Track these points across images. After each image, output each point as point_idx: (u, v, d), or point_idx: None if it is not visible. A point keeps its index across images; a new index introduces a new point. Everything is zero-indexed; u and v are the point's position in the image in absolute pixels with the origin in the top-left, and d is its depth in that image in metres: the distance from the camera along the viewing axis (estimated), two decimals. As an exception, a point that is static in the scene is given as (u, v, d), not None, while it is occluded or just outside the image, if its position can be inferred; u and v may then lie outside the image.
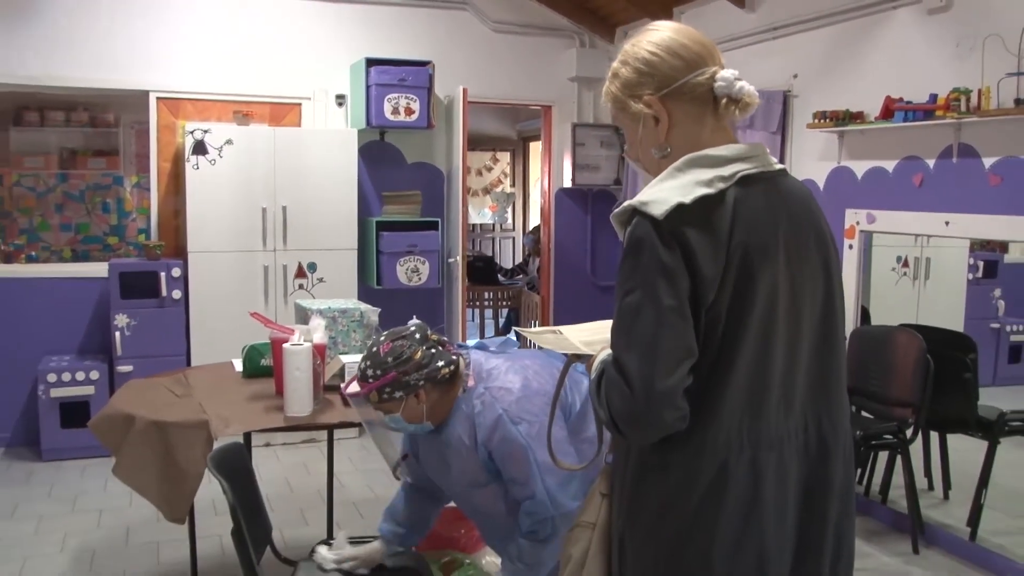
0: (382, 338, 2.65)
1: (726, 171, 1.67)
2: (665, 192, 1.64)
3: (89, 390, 5.67)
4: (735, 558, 1.67)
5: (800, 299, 1.71)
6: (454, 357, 2.64)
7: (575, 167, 7.12)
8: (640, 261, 1.62)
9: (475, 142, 10.83)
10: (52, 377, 5.63)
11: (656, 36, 1.75)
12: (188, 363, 5.76)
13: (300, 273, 6.08)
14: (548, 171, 7.31)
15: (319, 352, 3.44)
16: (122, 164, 6.60)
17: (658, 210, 1.60)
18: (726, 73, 1.71)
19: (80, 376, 5.67)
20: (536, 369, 2.66)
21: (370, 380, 2.59)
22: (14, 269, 6.07)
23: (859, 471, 4.76)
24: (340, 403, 3.47)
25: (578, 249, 7.32)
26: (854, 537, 1.87)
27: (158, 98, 6.17)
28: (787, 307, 1.69)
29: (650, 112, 1.74)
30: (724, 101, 1.71)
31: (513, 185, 11.21)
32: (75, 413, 5.64)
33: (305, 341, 3.37)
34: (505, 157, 11.18)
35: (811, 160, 5.28)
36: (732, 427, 1.66)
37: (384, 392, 2.57)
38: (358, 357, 3.80)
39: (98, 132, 7.10)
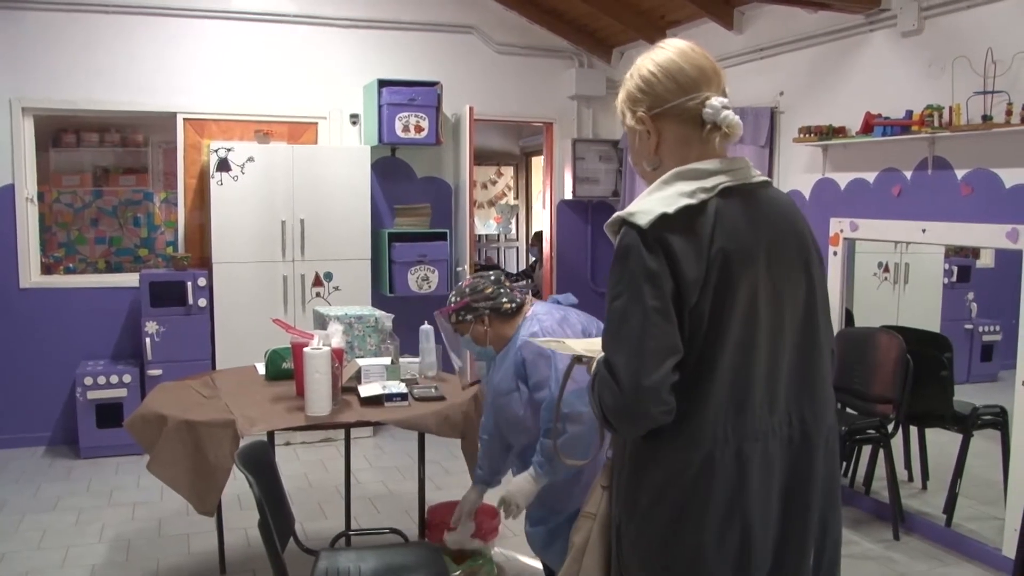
0: (468, 275, 3.03)
1: (708, 183, 1.70)
2: (651, 203, 1.69)
3: (122, 392, 5.74)
4: (722, 544, 1.70)
5: (782, 301, 1.73)
6: (519, 299, 3.07)
7: (575, 180, 7.16)
8: (627, 267, 1.67)
9: (480, 157, 10.86)
10: (89, 380, 5.69)
11: (661, 56, 1.80)
12: (213, 367, 5.81)
13: (317, 282, 6.13)
14: (550, 184, 7.36)
15: (337, 356, 3.49)
16: (151, 181, 6.66)
17: (643, 220, 1.66)
18: (715, 101, 1.73)
19: (114, 379, 5.74)
20: (584, 319, 3.00)
21: (451, 304, 3.09)
22: (54, 280, 6.13)
23: (844, 464, 4.80)
24: (357, 404, 3.53)
25: (579, 257, 7.39)
26: (839, 529, 1.90)
27: (185, 119, 6.24)
28: (769, 308, 1.71)
29: (643, 128, 1.79)
30: (708, 127, 1.74)
31: (517, 198, 11.23)
32: (110, 414, 5.71)
33: (324, 345, 3.42)
34: (509, 171, 11.18)
35: (797, 172, 5.32)
36: (718, 421, 1.69)
37: (459, 314, 3.07)
38: (374, 360, 3.87)
39: (128, 151, 7.16)
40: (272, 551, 2.57)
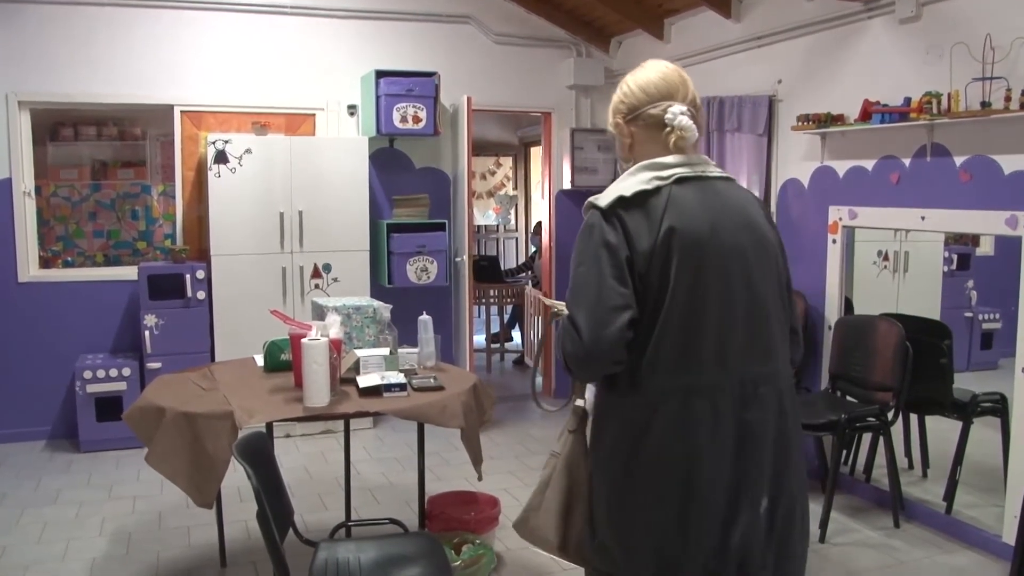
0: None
1: (665, 173, 2.03)
2: (614, 189, 2.03)
3: (122, 386, 5.73)
4: (669, 487, 1.97)
5: (731, 273, 1.99)
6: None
7: (574, 170, 7.14)
8: (590, 239, 2.00)
9: (479, 148, 10.86)
10: (88, 374, 5.69)
11: (640, 74, 2.17)
12: (212, 359, 5.80)
13: (316, 273, 6.12)
14: (548, 174, 7.34)
15: (335, 346, 3.48)
16: (149, 174, 6.64)
17: (604, 202, 2.01)
18: (675, 108, 2.07)
19: (113, 373, 5.73)
20: None
21: None
22: (52, 274, 6.11)
23: (844, 452, 4.79)
24: (356, 394, 3.52)
25: (578, 247, 7.37)
26: (797, 485, 2.10)
27: (182, 111, 6.22)
28: (716, 281, 1.97)
29: (619, 131, 2.17)
30: (667, 129, 2.08)
31: (515, 188, 11.21)
32: (109, 407, 5.71)
33: (322, 336, 3.41)
34: (507, 162, 11.17)
35: (796, 160, 5.31)
36: (667, 377, 1.96)
37: None
38: (372, 351, 3.86)
39: (126, 145, 7.15)
40: (271, 542, 2.56)
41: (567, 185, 7.23)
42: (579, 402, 2.25)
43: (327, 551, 3.00)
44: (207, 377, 3.87)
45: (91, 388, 5.69)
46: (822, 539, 4.30)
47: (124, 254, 6.36)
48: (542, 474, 2.32)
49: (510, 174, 11.22)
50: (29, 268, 5.97)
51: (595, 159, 7.18)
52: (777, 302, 2.09)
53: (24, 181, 5.93)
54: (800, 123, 4.98)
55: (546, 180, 7.41)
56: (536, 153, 9.86)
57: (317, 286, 6.13)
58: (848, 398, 4.72)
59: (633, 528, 2.03)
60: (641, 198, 1.99)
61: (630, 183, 2.03)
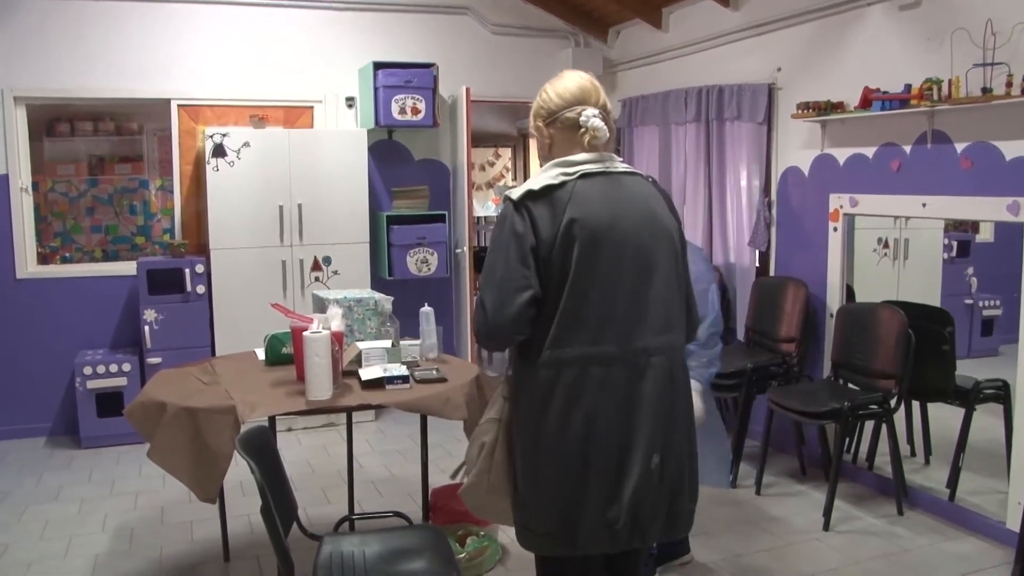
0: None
1: (571, 169, 2.27)
2: (526, 184, 2.28)
3: (122, 381, 5.72)
4: (570, 443, 2.25)
5: (627, 258, 2.25)
6: None
7: (573, 160, 7.11)
8: (502, 228, 2.27)
9: (478, 139, 10.77)
10: (88, 370, 5.67)
11: (558, 83, 2.41)
12: (213, 353, 5.80)
13: (316, 266, 6.11)
14: (548, 165, 7.30)
15: (337, 339, 3.47)
16: (147, 169, 6.62)
17: (515, 195, 2.27)
18: (588, 111, 2.32)
19: (113, 368, 5.72)
20: None
21: None
22: (50, 270, 6.10)
23: (847, 440, 4.79)
24: (358, 387, 3.51)
25: (578, 238, 7.34)
26: (684, 445, 2.37)
27: (179, 105, 6.19)
28: (616, 263, 2.24)
29: (539, 134, 2.41)
30: (582, 130, 2.31)
31: (514, 179, 11.18)
32: (110, 403, 5.69)
33: (323, 329, 3.40)
34: (506, 153, 11.12)
35: (796, 148, 5.29)
36: (568, 349, 2.24)
37: None
38: (374, 343, 3.85)
39: (123, 140, 7.12)
40: (275, 537, 2.55)
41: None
42: (510, 371, 2.47)
43: (331, 545, 2.99)
44: (208, 371, 3.86)
45: (91, 384, 5.67)
46: (826, 527, 4.30)
47: (123, 249, 6.35)
48: (483, 439, 2.49)
49: (509, 165, 11.18)
50: (27, 264, 5.94)
51: (594, 149, 7.14)
52: (673, 284, 2.35)
53: (21, 177, 5.90)
54: (800, 111, 4.96)
55: (545, 171, 7.36)
56: (534, 144, 9.81)
57: (317, 279, 6.11)
58: (850, 386, 4.72)
59: (542, 481, 2.30)
60: (548, 191, 2.24)
61: (541, 178, 2.28)
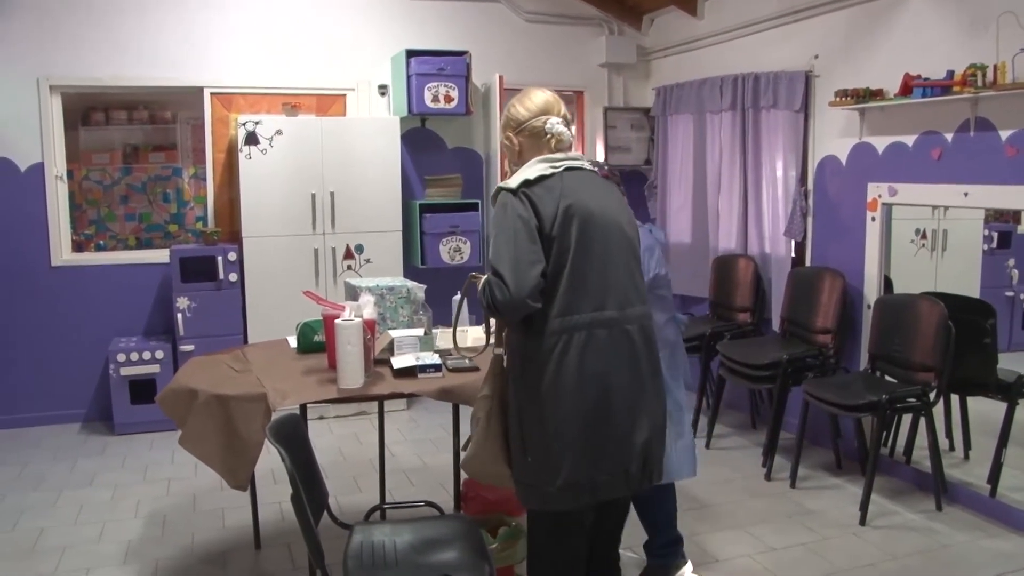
0: None
1: (556, 164, 2.63)
2: (518, 177, 2.61)
3: (155, 368, 5.74)
4: (583, 401, 2.54)
5: (611, 238, 2.61)
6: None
7: (607, 149, 7.05)
8: (505, 214, 2.55)
9: (510, 128, 10.75)
10: (121, 357, 5.70)
11: (523, 98, 2.76)
12: (245, 341, 5.81)
13: (348, 255, 6.09)
14: (582, 153, 7.24)
15: (369, 327, 3.45)
16: (180, 157, 6.63)
17: (513, 184, 2.59)
18: (552, 120, 2.70)
19: (147, 355, 5.75)
20: (661, 259, 3.44)
21: None
22: (85, 257, 6.13)
23: (884, 433, 4.70)
24: (390, 375, 3.48)
25: (610, 227, 7.27)
26: (661, 405, 2.73)
27: (212, 93, 6.20)
28: (604, 242, 2.59)
29: (510, 143, 2.77)
30: (548, 136, 2.70)
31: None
32: (143, 390, 5.72)
33: (355, 317, 3.38)
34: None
35: (833, 137, 5.19)
36: (576, 316, 2.54)
37: None
38: (406, 331, 3.82)
39: (157, 128, 7.14)
40: (305, 525, 2.53)
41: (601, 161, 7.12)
42: (498, 350, 2.75)
43: (362, 534, 2.97)
44: (240, 359, 3.84)
45: (124, 371, 5.70)
46: (863, 521, 4.22)
47: (156, 237, 6.36)
48: (479, 415, 2.76)
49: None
50: (62, 252, 5.99)
51: (628, 138, 7.08)
52: (636, 259, 2.75)
53: (56, 165, 5.94)
54: (838, 99, 4.86)
55: (578, 160, 7.30)
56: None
57: (350, 267, 6.10)
58: (888, 378, 4.63)
59: (563, 437, 2.53)
60: (542, 180, 2.58)
61: (532, 171, 2.60)
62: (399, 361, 3.55)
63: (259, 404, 3.23)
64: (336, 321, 3.34)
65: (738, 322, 5.79)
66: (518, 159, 2.76)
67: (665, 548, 3.61)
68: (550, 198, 2.55)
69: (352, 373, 3.31)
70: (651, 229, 3.62)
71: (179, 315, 5.77)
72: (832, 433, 5.02)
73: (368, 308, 3.53)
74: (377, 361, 3.60)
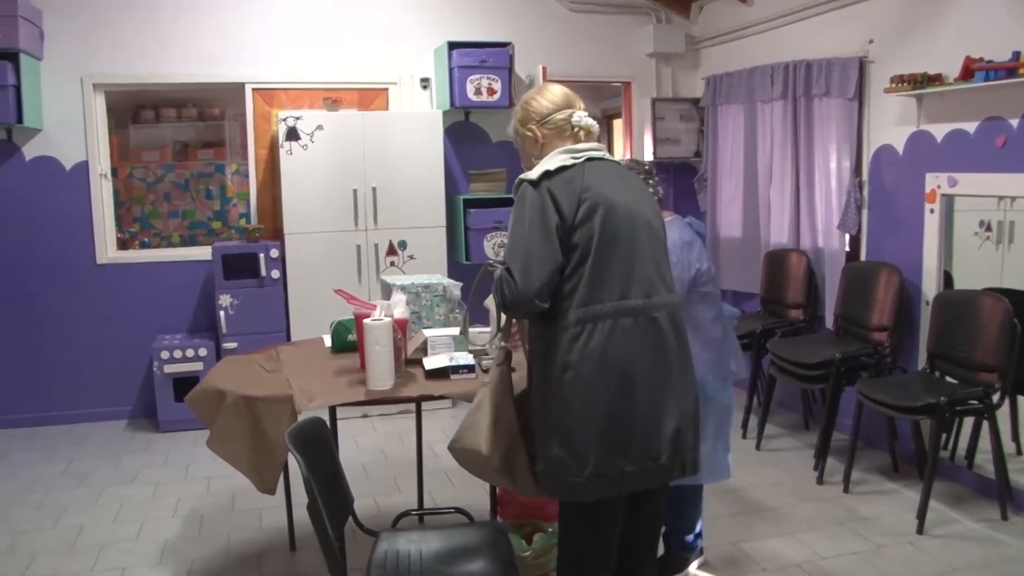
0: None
1: (578, 154, 2.58)
2: (539, 168, 2.55)
3: (198, 366, 5.73)
4: (610, 388, 2.46)
5: (637, 226, 2.55)
6: (660, 195, 3.32)
7: (655, 141, 6.87)
8: (523, 206, 2.51)
9: (560, 121, 10.57)
10: (165, 354, 5.70)
11: (543, 93, 2.73)
12: (288, 338, 5.77)
13: (391, 251, 6.01)
14: (629, 146, 7.08)
15: (400, 327, 3.34)
16: (228, 154, 6.62)
17: (534, 176, 2.53)
18: (578, 113, 2.67)
19: (190, 353, 5.73)
20: (701, 253, 3.35)
21: None
22: (129, 255, 6.15)
23: (944, 436, 4.46)
24: (422, 377, 3.37)
25: (659, 221, 7.07)
26: (695, 392, 2.65)
27: (253, 89, 6.16)
28: (629, 230, 2.52)
29: (532, 135, 2.71)
30: (577, 129, 2.67)
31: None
32: (186, 387, 5.65)
33: (386, 316, 3.27)
34: (590, 134, 10.92)
35: (889, 125, 4.95)
36: (602, 305, 2.47)
37: None
38: (441, 331, 3.71)
39: (206, 125, 7.15)
40: (322, 534, 2.44)
41: (648, 157, 6.95)
42: (503, 344, 2.78)
43: (388, 542, 2.88)
44: (272, 359, 3.77)
45: (168, 368, 5.70)
46: (920, 530, 4.00)
47: (200, 234, 6.35)
48: (474, 399, 2.76)
49: (591, 147, 10.97)
50: (107, 249, 6.00)
51: (677, 129, 6.89)
52: (663, 248, 2.67)
53: (100, 163, 5.94)
54: (894, 85, 4.63)
55: (627, 152, 7.14)
56: (619, 127, 9.55)
57: (393, 264, 6.01)
58: (948, 379, 4.39)
59: (592, 427, 2.45)
60: (562, 171, 2.52)
61: (552, 161, 2.55)
62: (431, 362, 3.43)
63: (286, 406, 3.14)
64: (365, 321, 3.24)
65: (790, 319, 5.58)
66: (540, 152, 2.69)
67: (682, 542, 3.59)
68: (571, 189, 2.50)
69: (381, 374, 3.21)
70: (691, 222, 3.55)
71: (221, 312, 5.74)
72: (888, 435, 4.79)
73: (399, 307, 3.43)
74: (411, 361, 3.50)
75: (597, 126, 2.71)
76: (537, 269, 2.43)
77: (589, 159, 2.59)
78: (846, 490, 4.51)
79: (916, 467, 4.60)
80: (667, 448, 2.53)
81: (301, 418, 2.90)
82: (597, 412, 2.46)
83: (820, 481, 4.62)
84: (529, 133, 2.73)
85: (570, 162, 2.54)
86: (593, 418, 2.46)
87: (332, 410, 3.35)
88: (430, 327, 3.85)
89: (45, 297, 5.91)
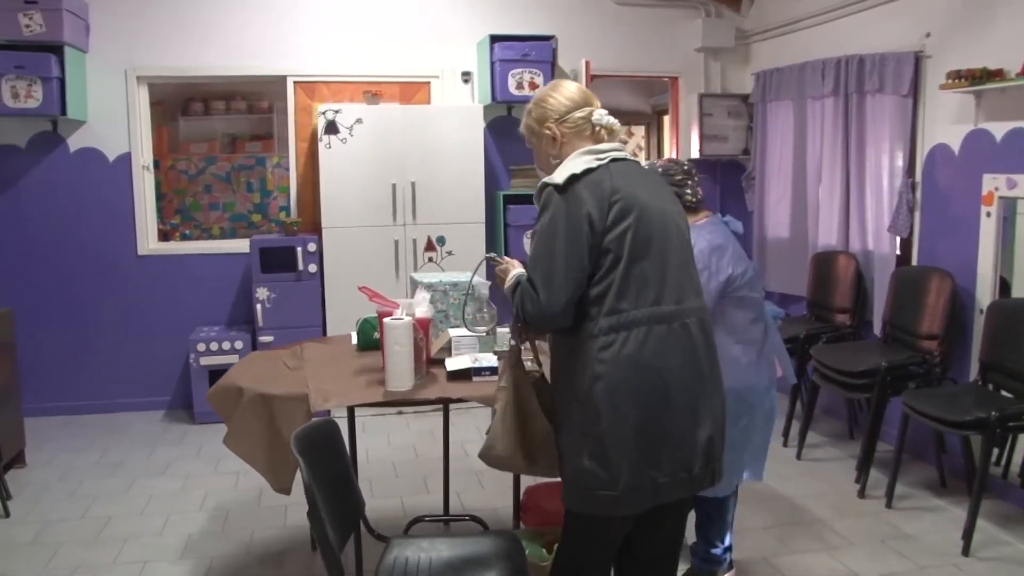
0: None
1: (602, 156, 2.44)
2: (563, 171, 2.41)
3: (234, 359, 5.67)
4: (647, 388, 2.34)
5: (667, 230, 2.44)
6: (700, 196, 3.33)
7: (702, 138, 6.67)
8: (549, 214, 2.37)
9: (610, 117, 10.41)
10: (201, 346, 5.69)
11: (560, 90, 2.57)
12: (324, 333, 5.71)
13: (430, 246, 5.92)
14: (676, 143, 6.89)
15: (421, 326, 3.24)
16: (276, 147, 6.60)
17: (559, 180, 2.38)
18: (598, 111, 2.53)
19: (226, 346, 5.71)
20: (737, 255, 3.23)
21: None
22: (170, 247, 6.17)
23: (996, 452, 4.23)
24: (444, 378, 3.27)
25: (706, 220, 6.86)
26: (722, 402, 2.52)
27: (295, 82, 6.11)
28: (660, 234, 2.41)
29: (550, 133, 2.55)
30: (599, 128, 2.52)
31: (648, 159, 10.76)
32: (222, 380, 5.68)
33: (407, 315, 3.17)
34: (639, 131, 10.71)
35: (945, 124, 4.71)
36: (633, 312, 2.35)
37: None
38: (467, 331, 3.59)
39: (255, 118, 7.15)
40: (323, 541, 2.34)
41: (695, 154, 6.76)
42: (514, 342, 2.64)
43: (398, 549, 2.78)
44: (297, 355, 3.71)
45: (204, 361, 5.69)
46: (966, 551, 3.78)
47: (240, 227, 6.34)
48: (495, 406, 2.65)
49: (642, 144, 10.77)
50: (148, 241, 6.01)
51: (725, 126, 6.68)
52: (690, 250, 2.55)
53: (143, 155, 5.95)
54: (951, 80, 4.40)
55: (673, 149, 6.96)
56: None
57: (431, 259, 5.92)
58: (1002, 392, 4.15)
59: (624, 439, 2.33)
60: (588, 173, 2.39)
61: (577, 163, 2.41)
62: (453, 363, 3.33)
63: (300, 405, 3.07)
64: (385, 320, 3.15)
65: (836, 324, 5.36)
66: (559, 152, 2.55)
67: (709, 555, 3.45)
68: (600, 192, 2.37)
69: (400, 375, 3.11)
70: (728, 221, 3.45)
71: (258, 306, 5.71)
72: (936, 448, 4.56)
73: (422, 306, 3.33)
74: (435, 361, 3.40)
75: (619, 124, 2.57)
76: (562, 283, 2.33)
77: (613, 160, 2.46)
78: (889, 505, 4.30)
79: (965, 483, 4.36)
80: (700, 457, 2.43)
81: (312, 419, 2.82)
82: (630, 423, 2.35)
83: (862, 494, 4.42)
84: (548, 132, 2.57)
85: (595, 164, 2.42)
86: (626, 429, 2.35)
87: (351, 410, 3.27)
88: (458, 326, 3.74)
89: (87, 287, 5.95)
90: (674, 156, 3.28)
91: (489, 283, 3.87)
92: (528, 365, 2.69)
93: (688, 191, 3.27)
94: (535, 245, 2.40)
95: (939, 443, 4.54)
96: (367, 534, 2.89)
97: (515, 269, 2.58)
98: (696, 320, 2.44)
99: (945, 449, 4.55)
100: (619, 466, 2.34)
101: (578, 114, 2.53)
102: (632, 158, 2.56)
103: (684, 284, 2.45)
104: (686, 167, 3.34)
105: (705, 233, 3.19)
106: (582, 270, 2.34)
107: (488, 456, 2.66)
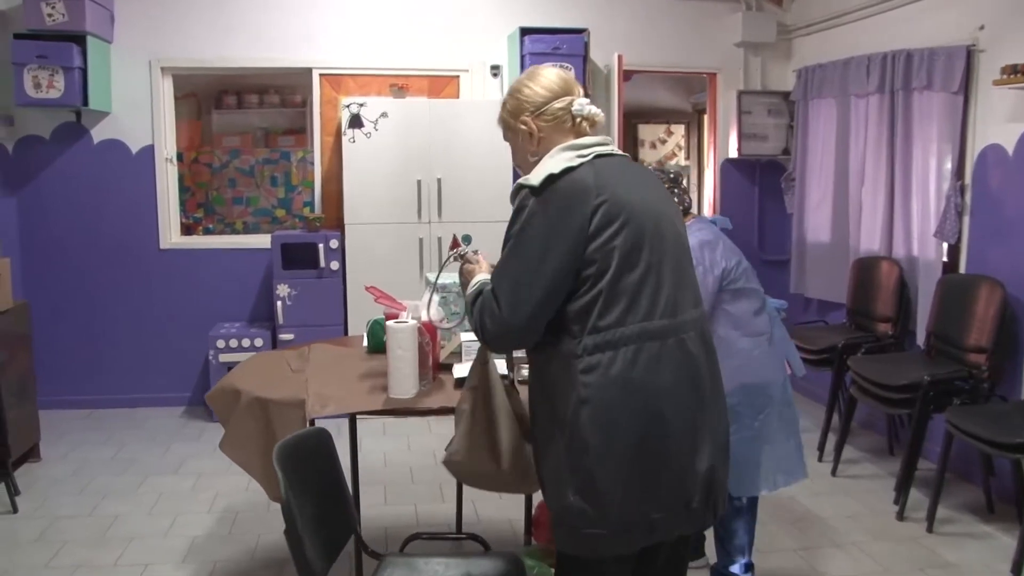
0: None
1: (584, 152, 2.17)
2: (541, 170, 2.13)
3: (253, 356, 5.57)
4: (639, 415, 2.06)
5: (660, 233, 2.16)
6: (687, 202, 3.26)
7: (741, 136, 6.41)
8: (521, 218, 2.10)
9: (648, 115, 10.20)
10: (221, 343, 5.58)
11: (536, 79, 2.29)
12: (345, 332, 5.57)
13: (455, 245, 5.70)
14: (714, 141, 6.63)
15: (428, 330, 3.05)
16: (308, 141, 6.46)
17: (535, 181, 2.10)
18: (579, 100, 2.26)
19: (246, 343, 5.59)
20: (729, 250, 3.16)
21: None
22: (192, 240, 6.08)
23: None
24: (451, 385, 3.08)
25: (745, 222, 6.57)
26: (726, 425, 2.28)
27: (321, 75, 5.96)
28: (653, 238, 2.13)
29: (526, 128, 2.27)
30: (579, 119, 2.25)
31: (687, 158, 10.48)
32: (241, 377, 5.56)
33: (412, 318, 2.99)
34: (679, 130, 10.45)
35: (998, 122, 4.42)
36: (620, 328, 2.07)
37: None
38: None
39: (288, 112, 7.03)
40: (300, 562, 2.16)
41: (733, 153, 6.50)
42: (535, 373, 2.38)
43: (391, 567, 2.60)
44: (302, 357, 3.54)
45: (224, 357, 5.57)
46: (1018, 573, 3.50)
47: (263, 221, 6.21)
48: (463, 407, 2.51)
49: (682, 143, 10.50)
50: (171, 235, 5.91)
51: (765, 124, 6.42)
52: (688, 255, 2.30)
53: (166, 147, 5.84)
54: (1005, 76, 4.12)
55: (711, 148, 6.70)
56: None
57: (456, 258, 5.71)
58: (1053, 409, 3.86)
59: (616, 474, 2.07)
60: (568, 172, 2.11)
61: (556, 161, 2.14)
62: (461, 369, 3.13)
63: (297, 411, 2.90)
64: (388, 323, 2.97)
65: (877, 333, 5.07)
66: (536, 148, 2.26)
67: (728, 573, 3.29)
68: (582, 194, 2.09)
69: (403, 382, 2.93)
70: (715, 220, 3.44)
71: (279, 302, 5.57)
72: (983, 469, 4.26)
73: (429, 308, 3.13)
74: (444, 366, 3.21)
75: (602, 115, 2.30)
76: (529, 297, 2.05)
77: (598, 156, 2.18)
78: (930, 529, 4.01)
79: (1015, 508, 4.06)
80: (700, 490, 2.15)
81: (303, 428, 2.65)
82: (620, 453, 2.08)
83: (901, 516, 4.14)
84: (523, 127, 2.29)
85: (577, 161, 2.14)
86: (616, 460, 2.08)
87: (352, 418, 3.09)
88: (470, 330, 3.54)
89: (109, 280, 5.87)
90: (670, 161, 3.19)
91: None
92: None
93: (675, 200, 3.17)
94: (504, 253, 2.14)
95: (987, 465, 4.24)
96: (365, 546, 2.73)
97: (481, 273, 2.37)
98: (694, 334, 2.19)
99: (994, 472, 4.25)
100: (609, 502, 2.08)
101: (557, 105, 2.25)
102: (621, 153, 2.30)
103: (680, 294, 2.18)
104: (672, 175, 3.28)
105: (694, 231, 3.09)
106: (555, 284, 2.07)
107: (452, 464, 2.55)
